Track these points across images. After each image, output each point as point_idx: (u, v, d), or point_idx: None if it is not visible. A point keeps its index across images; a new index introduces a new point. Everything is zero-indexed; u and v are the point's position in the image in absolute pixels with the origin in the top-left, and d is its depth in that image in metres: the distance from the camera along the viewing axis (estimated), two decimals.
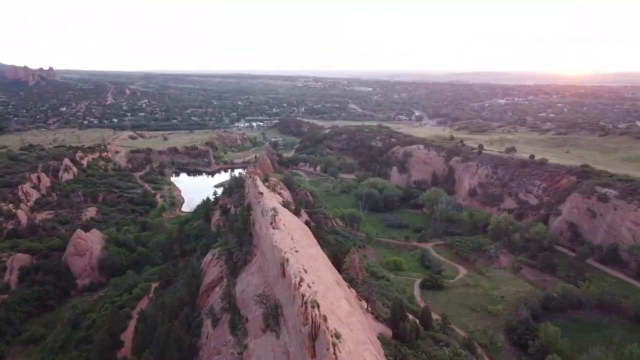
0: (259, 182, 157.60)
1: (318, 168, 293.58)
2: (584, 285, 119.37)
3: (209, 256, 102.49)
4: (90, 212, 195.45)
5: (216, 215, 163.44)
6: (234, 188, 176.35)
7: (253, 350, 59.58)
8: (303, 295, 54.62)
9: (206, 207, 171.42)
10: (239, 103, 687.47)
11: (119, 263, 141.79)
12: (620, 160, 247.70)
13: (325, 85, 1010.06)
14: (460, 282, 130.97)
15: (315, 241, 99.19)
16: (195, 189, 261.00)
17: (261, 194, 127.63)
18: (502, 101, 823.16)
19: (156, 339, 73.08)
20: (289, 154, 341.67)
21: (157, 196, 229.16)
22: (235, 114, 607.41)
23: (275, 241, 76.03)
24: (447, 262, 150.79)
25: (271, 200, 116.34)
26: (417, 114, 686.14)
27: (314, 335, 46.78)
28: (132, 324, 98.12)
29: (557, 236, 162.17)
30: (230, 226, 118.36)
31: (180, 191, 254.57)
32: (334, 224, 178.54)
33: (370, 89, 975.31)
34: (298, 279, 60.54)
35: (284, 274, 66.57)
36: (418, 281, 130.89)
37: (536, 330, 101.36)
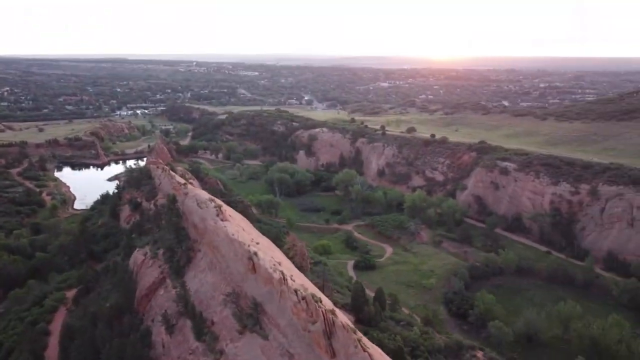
0: (173, 173, 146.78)
1: (220, 155, 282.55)
2: (502, 253, 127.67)
3: (138, 256, 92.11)
4: None
5: (126, 211, 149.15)
6: (140, 180, 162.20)
7: (235, 356, 53.80)
8: (296, 291, 50.18)
9: (112, 203, 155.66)
10: (118, 90, 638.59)
11: (15, 273, 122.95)
12: (503, 136, 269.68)
13: (209, 70, 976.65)
14: (390, 260, 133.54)
15: (257, 231, 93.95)
16: (85, 184, 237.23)
17: (184, 184, 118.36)
18: (385, 84, 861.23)
19: (104, 354, 63.66)
20: (184, 142, 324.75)
21: (44, 194, 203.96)
22: (114, 101, 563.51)
23: (232, 234, 69.92)
24: (372, 242, 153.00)
25: (200, 191, 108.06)
26: (306, 98, 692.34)
27: (328, 333, 42.77)
28: (54, 340, 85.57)
29: (466, 209, 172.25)
30: (156, 221, 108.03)
31: (69, 187, 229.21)
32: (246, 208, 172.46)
33: (257, 73, 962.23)
34: (279, 274, 55.81)
35: (254, 268, 61.22)
36: (350, 263, 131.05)
37: (472, 300, 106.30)
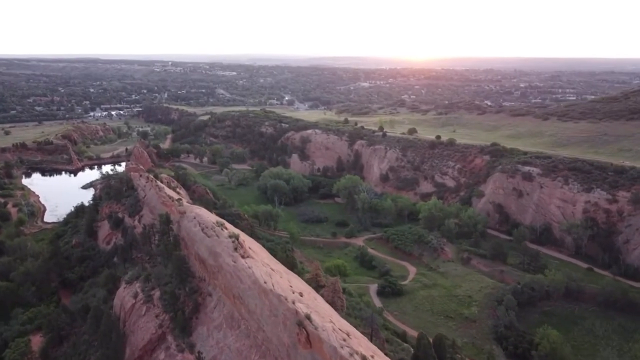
0: (161, 184, 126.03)
1: (205, 159, 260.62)
2: (549, 273, 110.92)
3: (126, 298, 71.68)
4: None
5: (105, 229, 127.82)
6: (121, 191, 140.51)
7: None
8: None
9: (88, 218, 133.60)
10: (91, 90, 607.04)
11: None
12: (505, 137, 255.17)
13: (186, 70, 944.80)
14: (418, 284, 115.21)
15: (278, 262, 74.34)
16: (57, 193, 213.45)
17: (179, 200, 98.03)
18: (366, 84, 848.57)
19: None
20: (164, 145, 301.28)
21: (10, 205, 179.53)
22: (88, 102, 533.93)
23: (265, 282, 50.44)
24: (389, 258, 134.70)
25: (200, 209, 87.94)
26: (287, 98, 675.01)
27: None
28: None
29: (486, 219, 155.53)
30: (145, 246, 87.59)
31: (38, 197, 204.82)
32: (247, 222, 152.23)
33: (235, 73, 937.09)
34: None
35: (307, 341, 41.98)
36: (372, 287, 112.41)
37: (530, 336, 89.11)
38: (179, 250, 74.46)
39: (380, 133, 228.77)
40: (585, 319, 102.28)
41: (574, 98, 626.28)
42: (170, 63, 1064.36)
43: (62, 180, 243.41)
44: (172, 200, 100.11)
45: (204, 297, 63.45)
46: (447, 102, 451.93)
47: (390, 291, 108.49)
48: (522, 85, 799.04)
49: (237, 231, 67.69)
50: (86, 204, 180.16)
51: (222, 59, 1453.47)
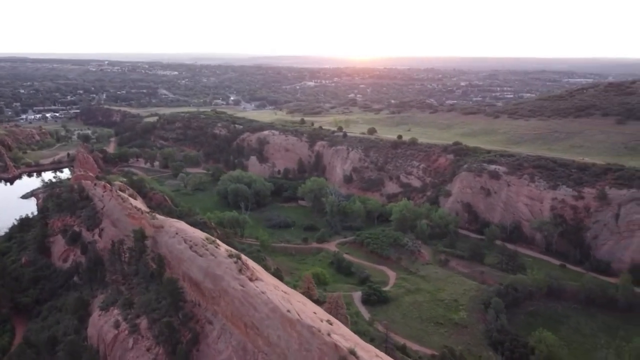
0: (123, 194, 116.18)
1: (156, 163, 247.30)
2: (531, 273, 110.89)
3: (104, 327, 63.24)
4: None
5: (59, 244, 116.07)
6: (74, 202, 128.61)
7: None
8: None
9: (39, 232, 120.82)
10: (22, 91, 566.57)
11: None
12: (459, 135, 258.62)
13: (124, 70, 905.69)
14: (401, 289, 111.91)
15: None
16: None
17: (151, 212, 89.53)
18: (312, 83, 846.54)
19: None
20: (108, 149, 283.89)
21: None
22: (18, 104, 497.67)
23: (288, 311, 44.63)
24: (366, 263, 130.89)
25: (180, 222, 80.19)
26: (232, 98, 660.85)
27: None
28: None
29: (458, 219, 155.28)
30: (114, 265, 78.80)
31: None
32: (217, 233, 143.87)
33: (176, 72, 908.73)
34: None
35: None
36: (356, 296, 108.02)
37: (526, 339, 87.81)
38: (163, 270, 66.75)
39: (341, 133, 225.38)
40: (570, 317, 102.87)
41: (512, 96, 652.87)
42: (106, 62, 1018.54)
43: None
44: (141, 213, 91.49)
45: (202, 325, 56.51)
46: (394, 101, 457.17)
47: (376, 299, 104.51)
48: (462, 84, 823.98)
49: (234, 252, 61.00)
50: (30, 215, 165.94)
51: (160, 58, 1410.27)
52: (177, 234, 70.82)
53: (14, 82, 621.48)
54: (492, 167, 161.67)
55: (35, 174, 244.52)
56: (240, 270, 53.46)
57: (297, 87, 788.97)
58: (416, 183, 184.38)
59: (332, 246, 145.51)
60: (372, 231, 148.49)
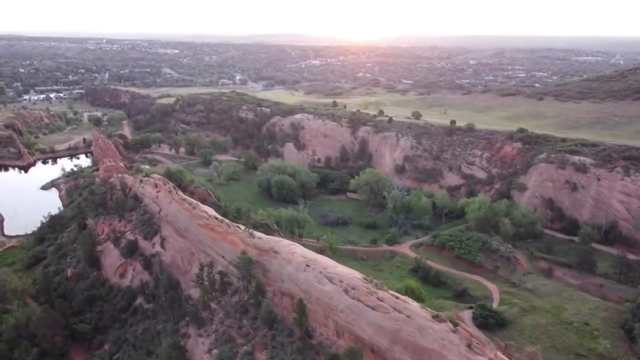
0: (190, 199, 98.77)
1: (182, 150, 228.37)
2: None
3: None
4: None
5: (112, 255, 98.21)
6: (124, 202, 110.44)
7: None
8: None
9: (88, 240, 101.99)
10: (22, 70, 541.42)
11: None
12: (502, 118, 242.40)
13: (123, 48, 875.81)
14: (514, 308, 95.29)
15: None
16: (10, 196, 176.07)
17: (248, 230, 72.06)
18: (317, 62, 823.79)
19: None
20: (123, 132, 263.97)
21: None
22: (19, 84, 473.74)
23: None
24: (454, 272, 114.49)
25: (297, 246, 62.87)
26: (239, 77, 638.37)
27: None
28: None
29: (541, 217, 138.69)
30: (214, 295, 61.65)
31: None
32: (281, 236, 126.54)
33: (178, 51, 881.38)
34: None
35: None
36: (466, 316, 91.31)
37: None
38: (304, 317, 49.60)
39: (386, 118, 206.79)
40: None
41: (524, 75, 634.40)
42: (104, 40, 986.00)
43: (12, 179, 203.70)
44: (228, 226, 73.92)
45: None
46: (404, 80, 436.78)
47: (495, 322, 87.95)
48: (472, 62, 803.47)
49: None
50: (55, 210, 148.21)
51: (158, 37, 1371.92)
52: (308, 266, 53.51)
53: (13, 60, 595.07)
54: (576, 158, 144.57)
55: (50, 161, 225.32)
56: (469, 346, 36.39)
57: (303, 66, 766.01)
58: (480, 174, 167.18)
59: (404, 249, 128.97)
60: (451, 232, 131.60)
